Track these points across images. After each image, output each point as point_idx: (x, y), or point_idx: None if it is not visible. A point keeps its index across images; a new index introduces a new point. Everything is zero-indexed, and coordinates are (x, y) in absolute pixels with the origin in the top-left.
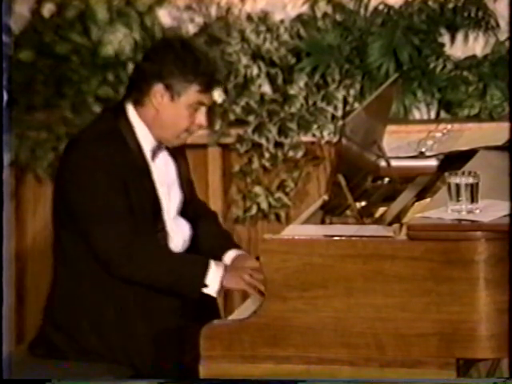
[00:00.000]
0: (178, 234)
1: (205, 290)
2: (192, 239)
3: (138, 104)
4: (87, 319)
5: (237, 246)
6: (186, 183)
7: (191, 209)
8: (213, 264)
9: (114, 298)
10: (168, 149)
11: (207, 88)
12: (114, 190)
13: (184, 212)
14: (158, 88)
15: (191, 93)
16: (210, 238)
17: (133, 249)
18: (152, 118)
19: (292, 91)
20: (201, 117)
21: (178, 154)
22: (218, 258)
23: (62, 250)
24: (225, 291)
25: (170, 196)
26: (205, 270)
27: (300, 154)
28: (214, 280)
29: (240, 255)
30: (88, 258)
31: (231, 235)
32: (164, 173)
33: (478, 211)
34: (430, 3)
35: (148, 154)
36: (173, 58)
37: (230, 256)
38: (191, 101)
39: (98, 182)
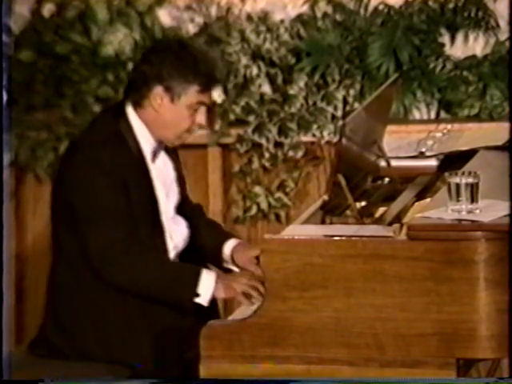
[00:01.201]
0: (177, 233)
1: (197, 300)
2: (190, 236)
3: (137, 106)
4: (87, 319)
5: (231, 235)
6: (181, 181)
7: (186, 205)
8: (204, 273)
9: (113, 298)
10: (165, 148)
11: (207, 88)
12: (114, 193)
13: (180, 210)
14: (158, 90)
15: (191, 93)
16: (205, 231)
17: (125, 256)
18: (152, 120)
19: (292, 91)
20: (201, 116)
21: (172, 152)
22: (219, 250)
23: (61, 251)
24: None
25: (168, 196)
26: (196, 279)
27: (300, 154)
28: (206, 289)
29: (239, 244)
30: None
31: (220, 224)
32: (164, 173)
33: (478, 211)
34: (430, 3)
35: (148, 155)
36: (171, 60)
37: (229, 246)
38: (191, 101)
39: (98, 185)
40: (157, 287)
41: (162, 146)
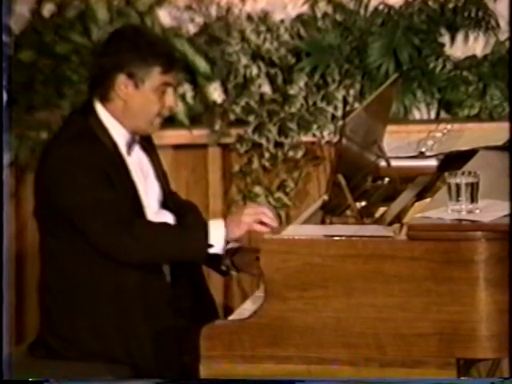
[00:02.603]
0: None
1: (211, 251)
2: None
3: (104, 100)
4: (85, 323)
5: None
6: (161, 175)
7: (170, 201)
8: (211, 223)
9: (111, 300)
10: (140, 143)
11: (169, 67)
12: (99, 184)
13: (165, 204)
14: (121, 79)
15: (154, 76)
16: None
17: (133, 232)
18: (121, 111)
19: (292, 91)
20: (170, 98)
21: (149, 147)
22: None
23: (50, 255)
24: (225, 287)
25: (147, 190)
26: (205, 231)
27: (300, 154)
28: (217, 238)
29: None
30: (84, 259)
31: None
32: (140, 167)
33: (478, 211)
34: (430, 3)
35: (123, 148)
36: (128, 46)
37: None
38: (156, 83)
39: (82, 180)
40: (171, 250)
41: (135, 138)
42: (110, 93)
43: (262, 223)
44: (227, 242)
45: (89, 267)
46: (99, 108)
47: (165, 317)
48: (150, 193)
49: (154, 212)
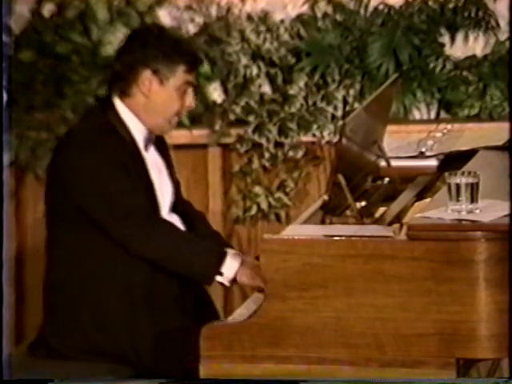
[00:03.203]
0: None
1: (219, 279)
2: None
3: (124, 95)
4: (89, 319)
5: (230, 246)
6: (175, 180)
7: (180, 206)
8: (230, 254)
9: (118, 296)
10: (155, 145)
11: (193, 67)
12: (119, 175)
13: (175, 209)
14: (146, 74)
15: (179, 74)
16: (205, 238)
17: (153, 227)
18: (142, 107)
19: (292, 91)
20: (190, 98)
21: (163, 149)
22: None
23: (60, 250)
24: (225, 287)
25: (162, 190)
26: (222, 258)
27: (300, 154)
28: (229, 270)
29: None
30: (92, 254)
31: (220, 235)
32: (156, 166)
33: (478, 211)
34: (430, 3)
35: (141, 144)
36: (154, 43)
37: None
38: (180, 82)
39: (100, 168)
40: (182, 260)
41: (152, 136)
42: (132, 88)
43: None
44: (235, 279)
45: (96, 262)
46: (118, 103)
47: (171, 315)
48: (164, 192)
49: (165, 213)
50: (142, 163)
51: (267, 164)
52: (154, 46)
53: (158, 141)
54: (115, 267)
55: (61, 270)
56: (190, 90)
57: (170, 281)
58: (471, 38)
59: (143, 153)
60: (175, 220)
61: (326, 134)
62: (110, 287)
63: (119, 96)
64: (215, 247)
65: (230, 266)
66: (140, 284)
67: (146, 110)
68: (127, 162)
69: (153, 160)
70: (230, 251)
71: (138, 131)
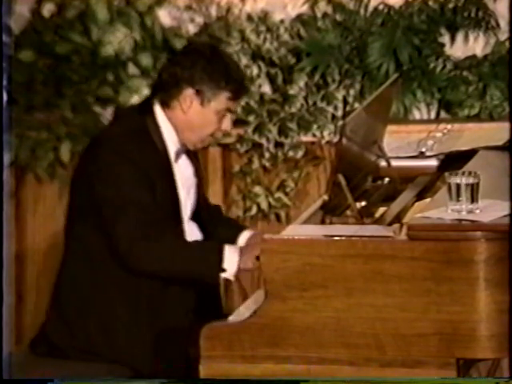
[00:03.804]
0: (191, 239)
1: (223, 275)
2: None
3: (165, 105)
4: (94, 318)
5: (246, 227)
6: (201, 187)
7: (205, 214)
8: (227, 248)
9: (123, 298)
10: (186, 152)
11: (237, 96)
12: (141, 184)
13: (196, 217)
14: (189, 93)
15: (221, 99)
16: (221, 228)
17: (151, 240)
18: (179, 121)
19: (292, 91)
20: (226, 122)
21: (194, 157)
22: (233, 242)
23: (77, 247)
24: (225, 287)
25: (187, 199)
26: (221, 255)
27: (300, 154)
28: (231, 264)
29: (254, 234)
30: (103, 255)
31: (235, 220)
32: (184, 176)
33: (478, 211)
34: (430, 3)
35: (172, 154)
36: (204, 64)
37: (244, 236)
38: (221, 107)
39: (126, 176)
40: (182, 269)
41: (184, 148)
42: (173, 101)
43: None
44: (239, 270)
45: (107, 267)
46: (158, 111)
47: (169, 317)
48: (188, 202)
49: (187, 221)
50: (169, 173)
51: (267, 164)
52: (203, 68)
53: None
54: (122, 275)
55: (75, 268)
56: (228, 115)
57: (181, 290)
58: (471, 38)
59: (173, 163)
60: (193, 228)
61: (326, 133)
62: (117, 294)
63: (160, 104)
64: (212, 246)
65: (231, 260)
66: (147, 294)
67: (182, 125)
68: (155, 174)
69: (182, 169)
70: (226, 246)
71: (172, 142)
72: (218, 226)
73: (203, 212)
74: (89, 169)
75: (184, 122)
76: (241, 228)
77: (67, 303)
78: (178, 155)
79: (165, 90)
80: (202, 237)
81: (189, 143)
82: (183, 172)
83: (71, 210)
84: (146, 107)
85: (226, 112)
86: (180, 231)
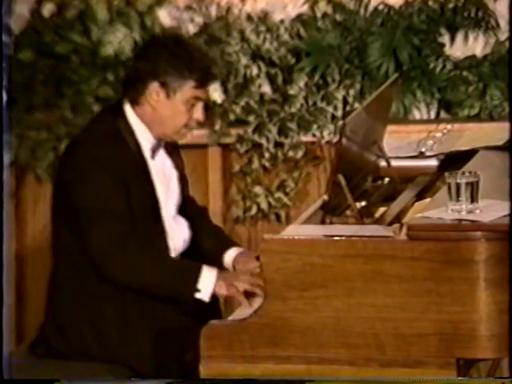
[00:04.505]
0: (179, 234)
1: (197, 295)
2: (191, 239)
3: (134, 103)
4: (87, 320)
5: (234, 243)
6: (182, 180)
7: (187, 207)
8: (205, 269)
9: (113, 298)
10: (164, 147)
11: (202, 83)
12: (115, 191)
13: (182, 210)
14: (154, 86)
15: (187, 89)
16: (208, 236)
17: (126, 252)
18: (150, 116)
19: (292, 91)
20: (198, 112)
21: (174, 151)
22: (219, 258)
23: (62, 251)
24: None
25: (168, 194)
26: (197, 274)
27: (300, 154)
28: (206, 285)
29: (240, 253)
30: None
31: (223, 230)
32: (163, 171)
33: (478, 211)
34: (430, 3)
35: (147, 153)
36: (166, 56)
37: (230, 255)
38: (187, 97)
39: (99, 182)
40: (157, 283)
41: (161, 143)
42: (141, 97)
43: (248, 294)
44: (213, 293)
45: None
46: (128, 110)
47: (165, 317)
48: (170, 197)
49: (172, 216)
50: (145, 172)
51: (267, 164)
52: (166, 59)
53: (167, 142)
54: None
55: (64, 271)
56: (199, 104)
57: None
58: (471, 38)
59: (149, 161)
60: (182, 223)
61: (326, 133)
62: (106, 296)
63: (130, 102)
64: (189, 264)
65: (207, 282)
66: (137, 295)
67: (153, 120)
68: (130, 177)
69: (159, 166)
70: (204, 266)
71: (146, 139)
72: (203, 233)
73: (188, 206)
74: (64, 176)
75: (154, 117)
76: (227, 242)
77: (59, 306)
78: (154, 151)
79: (132, 87)
80: (190, 233)
81: (164, 137)
82: (161, 168)
83: (54, 214)
84: (117, 108)
85: (195, 101)
86: (160, 231)
